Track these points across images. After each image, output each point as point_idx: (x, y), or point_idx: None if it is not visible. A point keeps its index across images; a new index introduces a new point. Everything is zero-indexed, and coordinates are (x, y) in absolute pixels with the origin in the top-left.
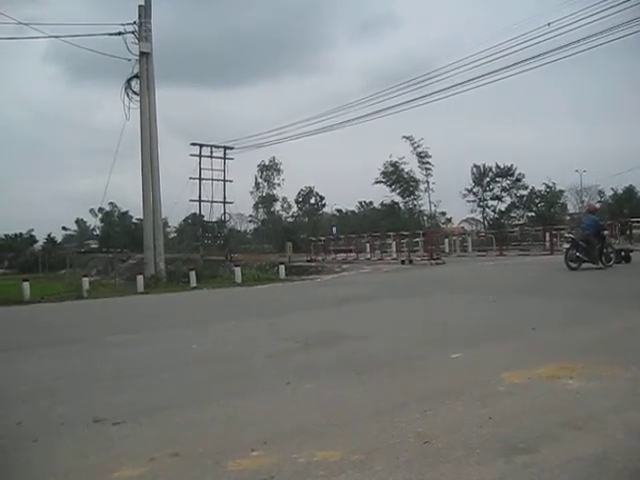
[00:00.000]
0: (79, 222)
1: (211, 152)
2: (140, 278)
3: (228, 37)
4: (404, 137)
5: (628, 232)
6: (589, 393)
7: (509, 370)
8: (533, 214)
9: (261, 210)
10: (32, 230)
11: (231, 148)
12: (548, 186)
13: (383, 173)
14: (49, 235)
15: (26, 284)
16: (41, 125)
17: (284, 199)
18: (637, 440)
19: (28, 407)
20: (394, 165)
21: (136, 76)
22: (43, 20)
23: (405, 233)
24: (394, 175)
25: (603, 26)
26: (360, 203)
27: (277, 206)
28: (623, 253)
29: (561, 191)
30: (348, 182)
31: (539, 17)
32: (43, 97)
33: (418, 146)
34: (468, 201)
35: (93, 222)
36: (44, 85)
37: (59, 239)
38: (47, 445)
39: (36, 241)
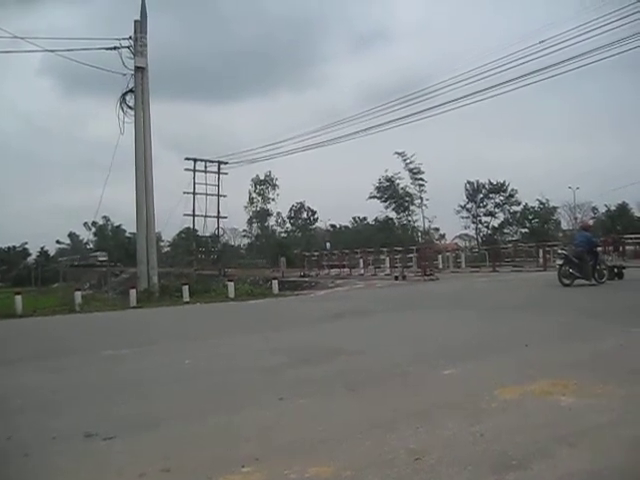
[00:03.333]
0: (72, 236)
1: (205, 167)
2: (133, 292)
3: (223, 52)
4: (396, 153)
5: (621, 249)
6: (582, 409)
7: (502, 386)
8: (526, 230)
9: (255, 225)
10: (26, 243)
11: (225, 163)
12: (541, 202)
13: (377, 188)
14: (42, 248)
15: (18, 297)
16: (35, 138)
17: (278, 214)
18: (630, 456)
19: (20, 421)
20: (390, 180)
21: (131, 90)
22: (38, 34)
23: (399, 249)
24: (389, 190)
25: (597, 43)
26: (354, 218)
27: (271, 221)
28: (616, 270)
29: (554, 207)
30: (342, 197)
31: (535, 33)
32: (37, 110)
33: (410, 162)
34: (462, 217)
35: (86, 236)
36: (39, 98)
37: (52, 252)
38: (38, 459)
39: (29, 254)
